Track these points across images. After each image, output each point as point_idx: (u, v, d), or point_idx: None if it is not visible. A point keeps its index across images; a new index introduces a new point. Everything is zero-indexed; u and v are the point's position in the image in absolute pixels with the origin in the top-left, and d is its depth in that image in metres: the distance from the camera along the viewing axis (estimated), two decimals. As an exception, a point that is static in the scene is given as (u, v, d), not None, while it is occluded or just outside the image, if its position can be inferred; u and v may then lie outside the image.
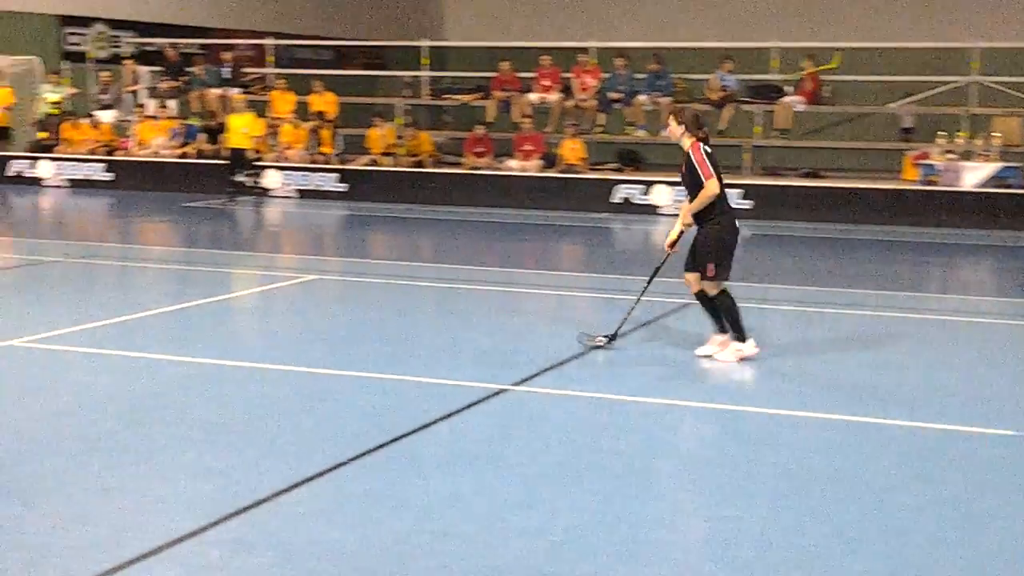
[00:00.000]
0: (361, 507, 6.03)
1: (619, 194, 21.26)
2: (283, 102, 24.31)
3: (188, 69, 25.87)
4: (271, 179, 22.91)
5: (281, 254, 17.06)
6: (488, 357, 9.63)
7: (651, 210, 20.87)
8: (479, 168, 22.38)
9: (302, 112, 24.14)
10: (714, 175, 9.05)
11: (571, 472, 6.73)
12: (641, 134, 23.34)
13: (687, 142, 9.30)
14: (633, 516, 6.00)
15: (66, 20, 29.38)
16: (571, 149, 22.16)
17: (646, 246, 18.57)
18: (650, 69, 23.50)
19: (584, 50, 24.32)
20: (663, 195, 20.94)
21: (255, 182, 22.14)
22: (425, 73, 26.56)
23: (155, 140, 24.31)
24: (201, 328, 10.75)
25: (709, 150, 9.24)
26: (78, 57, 28.20)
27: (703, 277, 9.30)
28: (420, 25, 33.43)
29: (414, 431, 7.41)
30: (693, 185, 9.20)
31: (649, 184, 21.20)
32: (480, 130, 22.91)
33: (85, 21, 29.69)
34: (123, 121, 25.54)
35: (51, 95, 25.40)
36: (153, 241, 18.36)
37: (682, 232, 9.48)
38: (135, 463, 6.69)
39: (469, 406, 8.07)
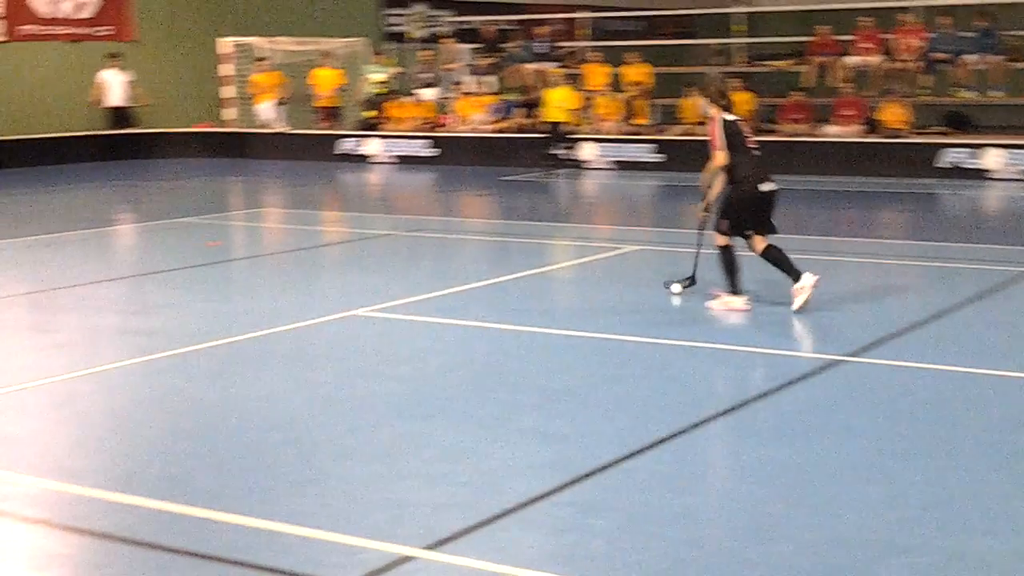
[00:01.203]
0: (704, 475, 6.05)
1: (946, 159, 20.43)
2: (597, 74, 24.52)
3: (504, 45, 26.42)
4: (587, 151, 23.17)
5: (599, 225, 17.24)
6: (817, 327, 9.47)
7: (982, 175, 19.97)
8: (796, 135, 21.95)
9: (616, 84, 24.28)
10: (723, 148, 9.66)
11: (916, 445, 6.53)
12: (969, 95, 22.35)
13: (712, 113, 9.90)
14: (992, 489, 5.79)
15: (387, 1, 30.60)
16: (893, 113, 21.45)
17: (977, 212, 17.84)
18: (978, 26, 22.45)
19: (906, 9, 23.46)
20: (996, 159, 20.00)
21: (571, 155, 22.42)
22: (737, 40, 26.24)
23: (474, 116, 24.97)
24: (526, 298, 10.98)
25: (730, 119, 9.80)
26: (399, 37, 29.28)
27: (716, 229, 9.96)
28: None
29: (750, 400, 7.37)
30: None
31: (980, 148, 20.28)
32: (797, 96, 22.47)
33: (405, 2, 30.86)
34: (443, 98, 26.34)
35: (376, 75, 26.45)
36: (474, 214, 18.87)
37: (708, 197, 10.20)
38: (481, 427, 6.92)
39: (803, 377, 7.96)
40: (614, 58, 24.89)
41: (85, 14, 25.66)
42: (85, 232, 15.49)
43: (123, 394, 7.85)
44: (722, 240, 9.95)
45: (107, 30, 26.02)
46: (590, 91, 24.24)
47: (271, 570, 4.93)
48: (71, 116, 25.03)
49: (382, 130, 25.64)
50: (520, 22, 28.42)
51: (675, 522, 5.40)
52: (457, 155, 24.40)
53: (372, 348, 8.99)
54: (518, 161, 23.22)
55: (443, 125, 25.45)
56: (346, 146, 25.60)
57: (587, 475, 6.00)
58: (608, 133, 23.47)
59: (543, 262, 13.37)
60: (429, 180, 22.98)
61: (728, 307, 9.94)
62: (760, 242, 9.98)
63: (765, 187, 9.85)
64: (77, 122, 25.10)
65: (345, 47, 27.68)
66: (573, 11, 28.89)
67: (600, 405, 7.37)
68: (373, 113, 26.10)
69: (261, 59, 26.40)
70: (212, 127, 26.96)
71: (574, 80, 23.93)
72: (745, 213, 9.87)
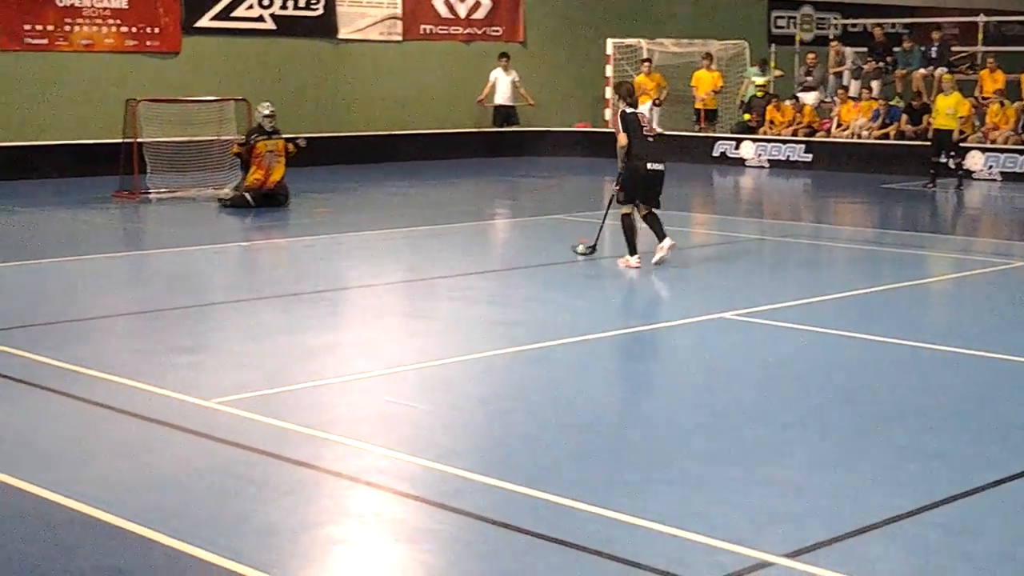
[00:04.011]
0: (1090, 507, 5.67)
1: None
2: (991, 81, 23.37)
3: (894, 49, 25.57)
4: (974, 161, 22.12)
5: (983, 239, 16.43)
6: None
7: None
8: None
9: (1012, 91, 23.05)
10: (623, 133, 12.02)
11: None
12: None
13: (620, 106, 12.34)
14: None
15: (775, 4, 30.27)
16: None
17: None
18: None
19: None
20: None
21: (958, 164, 21.45)
22: None
23: (855, 121, 24.30)
24: (897, 310, 10.60)
25: (630, 111, 12.22)
26: (784, 40, 28.88)
27: (615, 199, 12.31)
28: None
29: None
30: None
31: None
32: None
33: (793, 4, 30.42)
34: (824, 102, 25.76)
35: (757, 78, 26.17)
36: (847, 222, 18.36)
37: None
38: (846, 439, 6.74)
39: None
40: (1011, 64, 23.62)
41: (478, 15, 26.69)
42: (464, 225, 16.13)
43: (492, 381, 8.13)
44: (623, 209, 12.16)
45: (497, 31, 26.98)
46: (983, 98, 23.12)
47: (630, 563, 4.98)
48: (459, 113, 26.09)
49: (759, 134, 25.37)
50: (911, 26, 27.38)
51: (1055, 555, 5.09)
52: (833, 161, 23.80)
53: (737, 352, 8.92)
54: (900, 169, 22.41)
55: (822, 130, 24.90)
56: (721, 148, 25.49)
57: (959, 496, 5.74)
58: (997, 143, 22.32)
59: (919, 274, 12.89)
60: (802, 186, 22.57)
61: (626, 264, 12.09)
62: (643, 210, 12.19)
63: (653, 166, 12.09)
64: (464, 119, 26.15)
65: (725, 49, 27.54)
66: (970, 15, 27.60)
67: (972, 425, 7.04)
68: (751, 116, 25.86)
69: (645, 60, 26.62)
70: (591, 127, 27.46)
71: (967, 87, 22.86)
72: (636, 185, 12.06)
